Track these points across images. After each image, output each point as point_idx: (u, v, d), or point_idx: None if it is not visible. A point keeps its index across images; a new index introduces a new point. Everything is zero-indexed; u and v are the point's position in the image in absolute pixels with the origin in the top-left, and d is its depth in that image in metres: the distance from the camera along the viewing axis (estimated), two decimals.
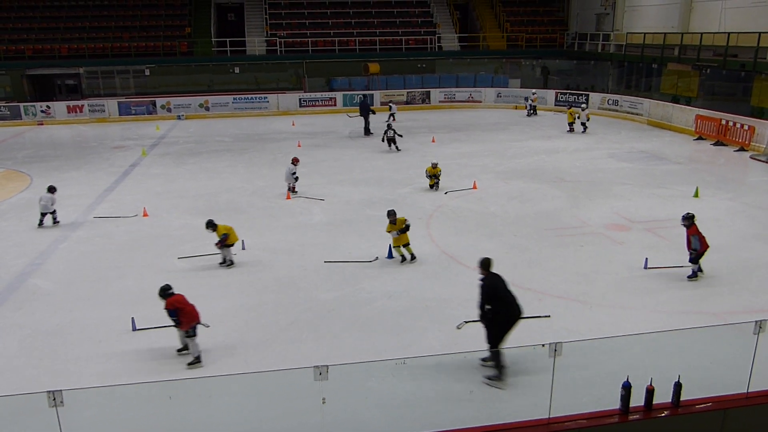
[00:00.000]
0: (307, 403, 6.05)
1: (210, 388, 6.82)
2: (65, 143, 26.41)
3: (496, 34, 37.82)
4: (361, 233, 13.67)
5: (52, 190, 14.72)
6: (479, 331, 9.26)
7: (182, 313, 8.41)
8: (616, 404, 6.11)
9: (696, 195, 15.87)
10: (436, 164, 17.11)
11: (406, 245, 11.78)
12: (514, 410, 6.72)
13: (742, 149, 21.43)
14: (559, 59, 36.88)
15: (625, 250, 12.32)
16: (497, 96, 33.97)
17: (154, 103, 32.23)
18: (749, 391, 6.28)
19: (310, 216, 15.05)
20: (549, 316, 9.63)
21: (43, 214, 14.46)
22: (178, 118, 31.80)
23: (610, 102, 30.13)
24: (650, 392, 6.09)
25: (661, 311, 9.84)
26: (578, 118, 25.41)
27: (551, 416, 6.03)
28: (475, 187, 17.10)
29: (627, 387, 6.03)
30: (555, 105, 31.95)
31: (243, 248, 12.73)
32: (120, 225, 14.60)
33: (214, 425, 6.35)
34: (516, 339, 8.95)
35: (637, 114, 28.51)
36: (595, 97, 30.69)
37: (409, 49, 36.22)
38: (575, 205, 15.40)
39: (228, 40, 35.11)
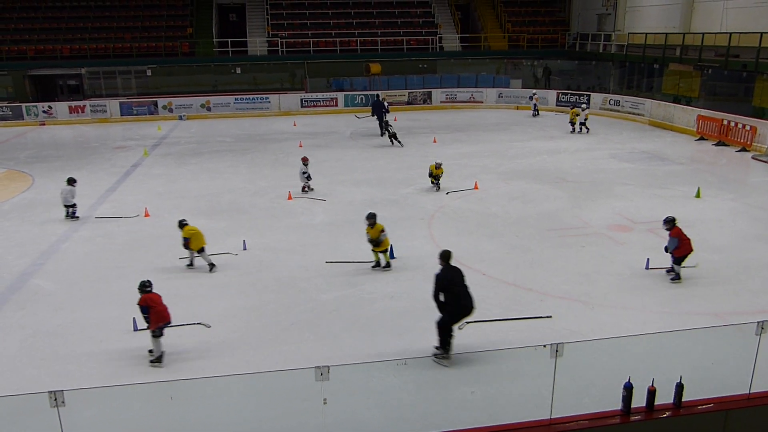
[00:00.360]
0: (308, 403, 6.05)
1: (211, 388, 6.82)
2: (67, 143, 26.44)
3: (498, 34, 37.80)
4: (363, 234, 13.61)
5: (71, 182, 14.95)
6: (481, 331, 9.28)
7: (152, 312, 8.48)
8: (617, 405, 6.10)
9: (698, 195, 15.85)
10: (440, 164, 17.04)
11: (384, 252, 11.56)
12: (515, 411, 6.70)
13: (743, 150, 21.40)
14: (561, 59, 36.86)
15: (627, 251, 12.31)
16: (499, 96, 33.95)
17: (155, 104, 32.25)
18: (751, 392, 6.26)
19: (312, 216, 15.06)
20: (550, 317, 9.63)
21: (67, 206, 14.77)
22: (180, 118, 31.82)
23: (612, 102, 30.10)
24: (652, 393, 6.08)
25: (663, 312, 9.83)
26: (579, 117, 25.38)
27: (553, 417, 6.02)
28: (476, 188, 17.09)
29: (628, 388, 6.02)
30: (556, 105, 31.94)
31: (244, 248, 12.75)
32: (121, 225, 14.62)
33: (215, 425, 6.34)
34: (517, 339, 8.97)
35: (638, 114, 28.48)
36: (596, 98, 30.67)
37: (411, 49, 36.22)
38: (577, 206, 15.39)
39: (229, 40, 35.14)
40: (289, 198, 16.49)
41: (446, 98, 34.30)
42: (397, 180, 18.24)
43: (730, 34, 24.91)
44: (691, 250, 10.70)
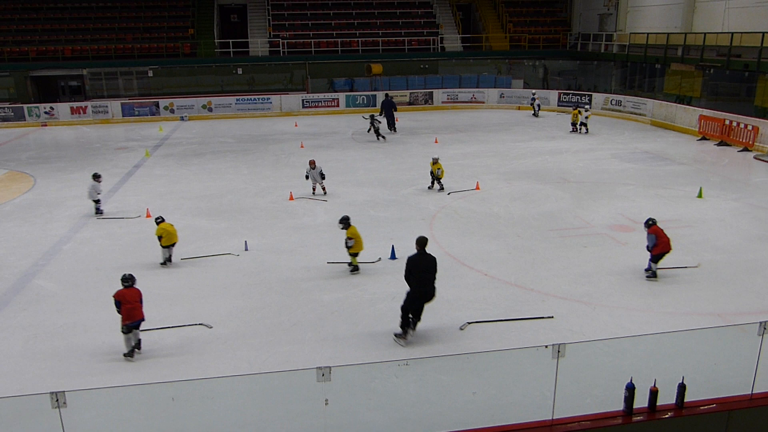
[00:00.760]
0: (310, 404, 6.04)
1: (212, 389, 6.82)
2: (69, 144, 26.47)
3: (499, 34, 37.79)
4: (365, 234, 13.61)
5: (96, 177, 15.19)
6: (482, 332, 9.27)
7: (123, 308, 8.57)
8: (619, 406, 6.08)
9: (700, 195, 15.82)
10: (437, 159, 16.96)
11: (355, 255, 11.53)
12: (517, 411, 6.69)
13: (746, 149, 21.37)
14: (562, 60, 36.84)
15: (629, 251, 12.29)
16: (500, 96, 33.94)
17: (157, 105, 32.28)
18: (753, 392, 6.25)
19: (314, 217, 15.06)
20: (552, 317, 9.62)
21: (95, 201, 15.08)
22: (182, 119, 31.85)
23: (614, 102, 30.08)
24: (654, 393, 6.06)
25: (665, 312, 9.81)
26: (580, 117, 25.34)
27: (554, 417, 6.01)
28: (478, 188, 17.08)
29: (630, 388, 6.01)
30: (558, 105, 31.92)
31: (246, 249, 12.75)
32: (123, 226, 14.63)
33: (216, 426, 6.34)
34: (519, 340, 8.96)
35: (640, 114, 28.45)
36: (598, 98, 30.65)
37: (412, 49, 36.22)
38: (579, 206, 15.37)
39: (231, 41, 35.17)
40: (291, 198, 16.49)
41: (448, 98, 34.29)
42: (398, 180, 18.24)
43: (732, 33, 24.88)
44: (669, 249, 10.80)
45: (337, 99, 33.33)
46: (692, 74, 27.29)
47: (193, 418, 6.41)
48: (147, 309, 9.95)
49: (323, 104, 33.25)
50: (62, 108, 31.49)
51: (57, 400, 5.21)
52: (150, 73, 34.14)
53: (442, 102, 34.21)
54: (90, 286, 11.24)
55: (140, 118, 31.88)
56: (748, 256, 11.98)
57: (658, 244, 10.72)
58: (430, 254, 9.15)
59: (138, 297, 8.73)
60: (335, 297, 10.54)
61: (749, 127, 21.50)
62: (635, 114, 28.71)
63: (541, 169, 19.36)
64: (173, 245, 12.06)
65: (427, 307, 10.04)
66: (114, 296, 8.69)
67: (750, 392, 6.25)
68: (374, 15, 37.82)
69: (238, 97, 32.99)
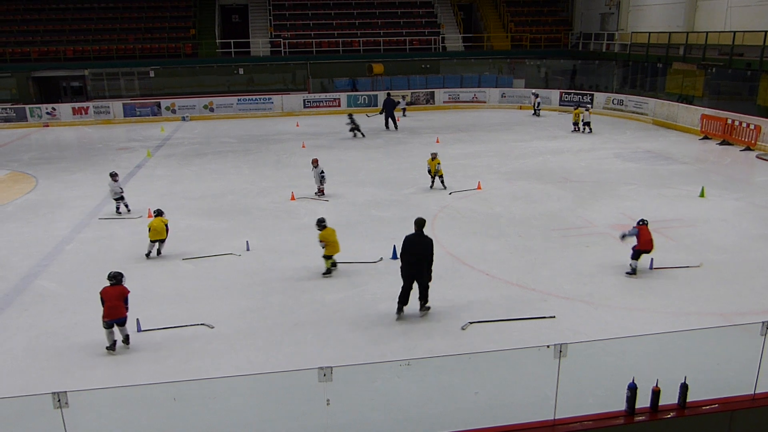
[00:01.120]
0: (312, 404, 6.04)
1: (214, 389, 6.82)
2: (71, 145, 26.50)
3: (501, 34, 37.77)
4: (366, 234, 13.66)
5: (113, 176, 15.39)
6: (484, 332, 9.27)
7: (103, 304, 8.75)
8: (621, 406, 6.07)
9: (702, 195, 15.80)
10: (436, 155, 17.02)
11: (328, 258, 11.36)
12: (519, 411, 6.68)
13: (748, 149, 21.33)
14: (564, 59, 36.80)
15: (631, 251, 12.24)
16: (501, 96, 33.92)
17: (158, 105, 32.31)
18: (756, 392, 6.23)
19: (315, 217, 15.01)
20: (554, 317, 9.61)
21: (116, 200, 15.31)
22: (183, 119, 31.87)
23: (615, 102, 30.04)
24: (656, 393, 6.05)
25: (667, 312, 9.80)
26: (583, 118, 25.32)
27: (556, 417, 6.00)
28: (479, 188, 17.07)
29: (633, 388, 6.00)
30: (560, 105, 31.89)
31: (248, 249, 12.75)
32: (125, 226, 14.64)
33: (218, 426, 6.34)
34: (521, 340, 8.95)
35: (642, 114, 28.41)
36: (600, 97, 30.62)
37: (413, 49, 36.21)
38: (580, 206, 15.35)
39: (232, 41, 35.19)
40: (292, 199, 16.49)
41: (449, 98, 34.28)
42: (400, 180, 18.23)
43: (734, 32, 24.84)
44: (650, 248, 10.98)
45: (339, 99, 33.33)
46: (694, 73, 27.25)
47: (194, 419, 6.41)
48: (149, 310, 10.02)
49: (325, 104, 33.25)
50: (64, 108, 31.53)
51: (59, 401, 5.21)
52: (151, 74, 34.17)
53: (444, 102, 34.19)
54: (92, 286, 11.21)
55: (142, 119, 31.91)
56: (751, 255, 11.95)
57: (638, 242, 10.96)
58: (426, 236, 9.63)
59: (119, 296, 8.85)
60: (337, 297, 10.54)
61: (751, 126, 21.45)
62: (637, 113, 28.68)
63: (543, 168, 19.34)
64: (160, 241, 12.37)
65: (430, 307, 10.08)
66: (100, 293, 8.94)
67: (753, 392, 6.24)
68: (375, 15, 37.82)
69: (239, 98, 33.02)
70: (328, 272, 11.40)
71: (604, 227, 13.69)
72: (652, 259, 11.46)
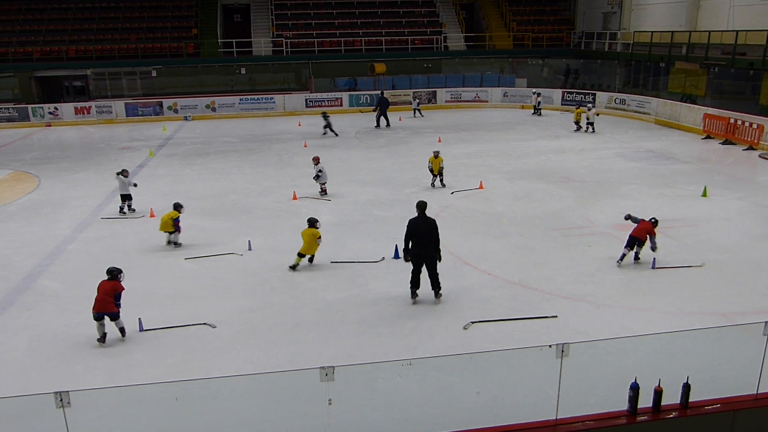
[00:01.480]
0: (313, 404, 6.04)
1: (216, 389, 6.82)
2: (73, 144, 26.54)
3: (503, 33, 37.73)
4: (368, 233, 13.67)
5: (124, 173, 15.48)
6: (486, 331, 9.26)
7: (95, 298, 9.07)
8: (623, 405, 6.06)
9: (704, 194, 15.76)
10: (438, 153, 17.17)
11: (301, 256, 11.61)
12: (521, 411, 6.67)
13: (750, 148, 21.28)
14: (566, 58, 36.75)
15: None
16: (504, 96, 33.88)
17: (160, 104, 32.34)
18: (759, 392, 6.22)
19: (317, 216, 15.01)
20: (556, 317, 9.60)
21: (124, 198, 15.41)
22: (185, 119, 31.90)
23: (618, 101, 30.00)
24: (658, 393, 6.04)
25: (669, 312, 9.78)
26: (587, 117, 25.26)
27: (558, 417, 5.99)
28: (481, 187, 17.06)
29: (635, 388, 5.99)
30: (562, 104, 31.85)
31: (249, 249, 12.76)
32: (127, 226, 14.66)
33: (219, 426, 6.34)
34: (523, 340, 8.95)
35: (644, 113, 28.36)
36: (602, 96, 30.57)
37: (415, 49, 36.20)
38: (582, 205, 15.34)
39: (234, 41, 35.21)
40: (294, 198, 16.50)
41: (451, 98, 34.25)
42: (401, 180, 18.22)
43: (737, 32, 24.77)
44: (641, 238, 11.30)
45: (341, 98, 33.33)
46: (697, 73, 27.19)
47: (196, 418, 6.42)
48: (151, 309, 10.04)
49: (327, 104, 33.24)
50: (66, 108, 31.56)
51: (61, 400, 5.21)
52: (153, 73, 34.20)
53: (446, 101, 34.17)
54: (94, 286, 11.15)
55: (144, 118, 31.94)
56: (753, 255, 11.93)
57: (635, 228, 11.42)
58: (430, 217, 10.08)
59: (110, 291, 8.99)
60: (338, 297, 10.54)
61: (754, 126, 21.40)
62: (639, 113, 28.63)
63: (545, 168, 19.32)
64: (168, 233, 12.87)
65: (431, 306, 10.08)
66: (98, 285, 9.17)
67: (755, 392, 6.23)
68: (377, 14, 37.80)
69: (241, 97, 33.03)
70: (292, 267, 11.64)
71: (605, 227, 13.67)
72: (654, 258, 11.45)
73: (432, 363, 7.82)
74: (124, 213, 15.44)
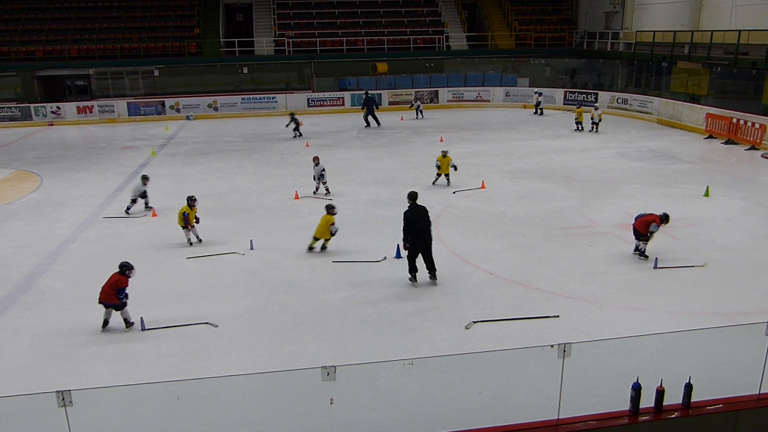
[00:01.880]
0: (315, 403, 6.04)
1: (218, 388, 6.82)
2: (75, 144, 26.58)
3: (505, 33, 37.70)
4: (370, 233, 13.66)
5: (144, 179, 15.66)
6: (488, 331, 9.25)
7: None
8: (625, 405, 6.05)
9: (707, 194, 15.74)
10: (446, 152, 17.30)
11: (316, 239, 12.40)
12: (522, 411, 6.67)
13: (753, 148, 21.24)
14: (568, 58, 36.72)
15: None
16: (506, 95, 33.87)
17: (163, 104, 32.38)
18: (761, 392, 6.21)
19: (319, 216, 14.97)
20: (558, 317, 9.58)
21: (137, 198, 15.48)
22: (187, 118, 31.93)
23: (620, 101, 29.96)
24: (660, 393, 6.03)
25: (671, 311, 9.76)
26: (591, 117, 25.20)
27: (560, 417, 5.98)
28: (483, 187, 17.05)
29: (637, 388, 5.98)
30: (564, 104, 31.82)
31: (251, 248, 12.76)
32: (129, 225, 14.67)
33: (221, 425, 6.35)
34: (525, 339, 8.94)
35: (647, 113, 28.33)
36: (604, 96, 30.53)
37: (417, 48, 36.19)
38: (585, 205, 15.32)
39: (236, 40, 35.23)
40: (296, 197, 16.50)
41: (453, 97, 34.25)
42: (403, 179, 18.21)
43: (740, 31, 24.73)
44: (641, 230, 11.44)
45: (343, 98, 33.34)
46: (699, 72, 27.16)
47: (197, 417, 6.42)
48: (153, 308, 10.04)
49: (328, 103, 33.26)
50: (69, 107, 31.62)
51: (63, 399, 5.22)
52: (156, 73, 34.24)
53: (448, 101, 34.16)
54: (96, 285, 11.18)
55: (146, 118, 31.98)
56: (755, 255, 11.90)
57: (641, 218, 11.60)
58: (421, 205, 10.79)
59: (114, 284, 9.34)
60: (340, 296, 10.54)
61: (756, 126, 21.37)
62: (641, 112, 28.59)
63: (547, 167, 19.30)
64: (185, 228, 13.06)
65: (433, 306, 10.07)
66: None
67: (757, 392, 6.21)
68: (379, 14, 37.80)
69: (243, 97, 33.06)
70: (310, 248, 12.47)
71: (608, 226, 13.65)
72: (656, 258, 11.43)
73: (433, 363, 7.82)
74: (129, 213, 15.41)
